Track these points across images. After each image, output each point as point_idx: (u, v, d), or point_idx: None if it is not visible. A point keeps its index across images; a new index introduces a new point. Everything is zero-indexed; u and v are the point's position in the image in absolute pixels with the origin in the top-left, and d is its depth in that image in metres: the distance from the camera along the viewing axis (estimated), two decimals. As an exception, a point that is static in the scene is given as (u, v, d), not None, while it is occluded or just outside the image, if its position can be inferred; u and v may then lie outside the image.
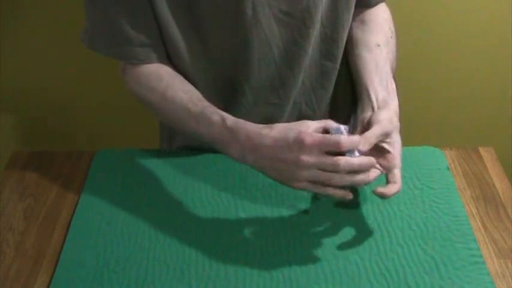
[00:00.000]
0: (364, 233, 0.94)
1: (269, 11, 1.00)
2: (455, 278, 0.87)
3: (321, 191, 0.86)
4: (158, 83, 1.02)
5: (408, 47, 1.59)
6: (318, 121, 0.88)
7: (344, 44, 1.09)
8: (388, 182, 0.89)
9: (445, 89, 1.74)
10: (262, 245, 0.93)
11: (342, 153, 0.83)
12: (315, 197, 1.00)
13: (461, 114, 1.79)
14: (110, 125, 1.78)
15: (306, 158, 0.83)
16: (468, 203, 1.01)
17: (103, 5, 0.99)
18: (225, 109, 0.96)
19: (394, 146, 0.90)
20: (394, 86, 1.00)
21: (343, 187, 0.86)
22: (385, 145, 0.89)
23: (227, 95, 1.06)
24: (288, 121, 0.91)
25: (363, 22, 1.10)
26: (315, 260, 0.90)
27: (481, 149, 1.13)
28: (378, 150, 0.89)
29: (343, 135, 0.86)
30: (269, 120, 0.99)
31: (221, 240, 0.93)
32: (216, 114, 0.94)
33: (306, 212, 0.98)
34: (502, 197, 1.02)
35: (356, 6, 1.08)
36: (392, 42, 1.08)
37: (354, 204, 0.99)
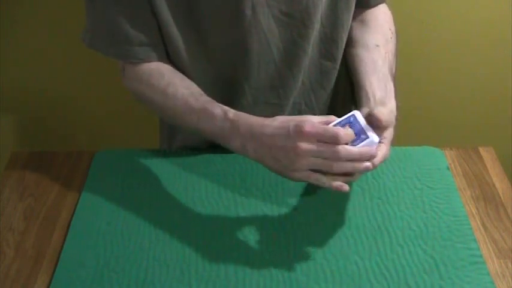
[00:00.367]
0: (364, 233, 0.94)
1: (268, 11, 1.00)
2: (455, 278, 0.87)
3: (319, 183, 0.86)
4: (159, 80, 1.02)
5: (408, 47, 1.59)
6: (321, 116, 0.88)
7: (344, 44, 1.09)
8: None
9: (445, 89, 1.74)
10: (262, 245, 0.93)
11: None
12: (315, 197, 1.00)
13: (461, 114, 1.79)
14: (110, 125, 1.78)
15: (304, 146, 0.83)
16: (468, 203, 1.01)
17: (103, 4, 0.99)
18: (225, 109, 0.96)
19: (384, 142, 0.89)
20: (392, 86, 0.99)
21: (343, 175, 0.86)
22: None
23: (226, 95, 1.06)
24: None
25: (362, 22, 1.10)
26: (315, 260, 0.90)
27: (481, 149, 1.13)
28: None
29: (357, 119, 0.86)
30: (269, 120, 1.00)
31: (221, 240, 0.93)
32: (218, 107, 0.94)
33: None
34: (502, 197, 1.02)
35: (356, 7, 1.08)
36: (392, 43, 1.08)
37: (354, 204, 0.99)
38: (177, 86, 1.00)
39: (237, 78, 1.06)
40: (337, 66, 1.11)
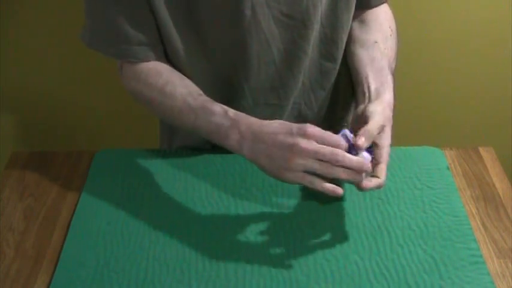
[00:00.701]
0: (364, 233, 0.94)
1: (268, 11, 1.00)
2: (455, 278, 0.87)
3: (313, 186, 0.86)
4: (157, 79, 1.02)
5: (408, 47, 1.59)
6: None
7: (344, 44, 1.09)
8: (372, 175, 0.87)
9: (445, 89, 1.74)
10: (262, 245, 0.93)
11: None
12: (315, 197, 1.00)
13: (461, 114, 1.79)
14: (110, 125, 1.78)
15: (304, 144, 0.83)
16: (468, 203, 1.01)
17: (102, 4, 0.99)
18: (224, 109, 0.96)
19: (382, 137, 0.89)
20: (390, 78, 0.99)
21: (336, 181, 0.86)
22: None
23: (226, 96, 1.06)
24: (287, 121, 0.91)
25: (363, 22, 1.10)
26: (315, 260, 0.90)
27: (481, 149, 1.13)
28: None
29: (348, 137, 0.86)
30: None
31: (221, 240, 0.93)
32: (218, 106, 0.95)
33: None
34: (502, 197, 1.02)
35: (356, 7, 1.08)
36: (391, 40, 1.07)
37: (354, 204, 0.99)
38: (175, 85, 1.00)
39: (236, 79, 1.06)
40: (337, 67, 1.11)
